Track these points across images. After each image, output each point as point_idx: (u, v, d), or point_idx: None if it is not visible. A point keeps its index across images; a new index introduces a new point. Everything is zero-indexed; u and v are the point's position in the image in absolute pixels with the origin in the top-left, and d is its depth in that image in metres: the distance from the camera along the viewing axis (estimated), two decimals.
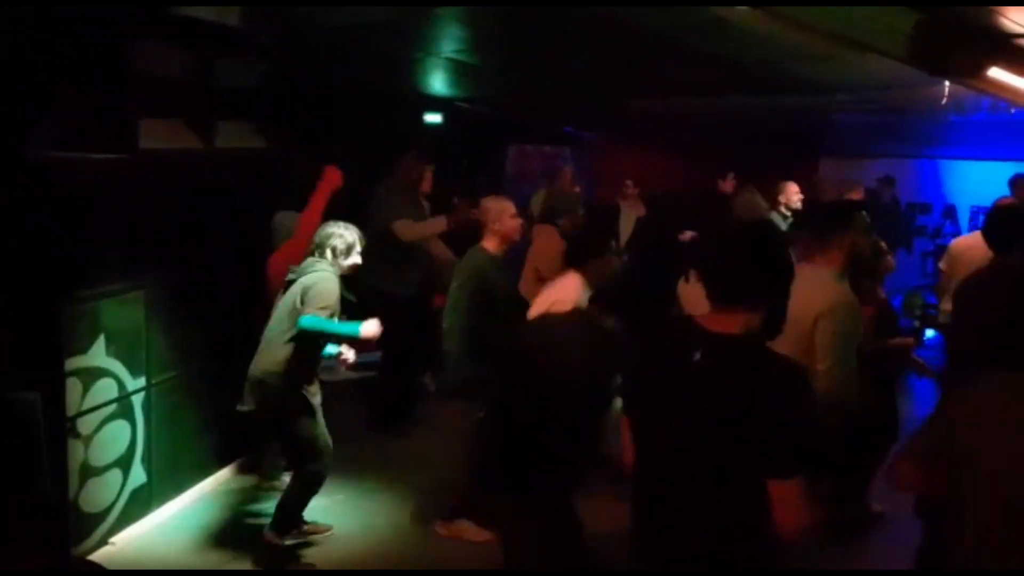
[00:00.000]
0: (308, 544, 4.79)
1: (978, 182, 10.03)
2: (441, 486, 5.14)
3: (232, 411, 4.66)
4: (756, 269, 2.34)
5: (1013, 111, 7.30)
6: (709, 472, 2.28)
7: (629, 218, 8.45)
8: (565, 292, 4.20)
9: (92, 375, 4.52)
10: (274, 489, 5.24)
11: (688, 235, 7.53)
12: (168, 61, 4.96)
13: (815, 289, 3.70)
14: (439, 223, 6.35)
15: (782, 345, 2.62)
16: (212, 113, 5.41)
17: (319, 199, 5.17)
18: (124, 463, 4.79)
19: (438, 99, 8.45)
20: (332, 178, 5.25)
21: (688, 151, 10.41)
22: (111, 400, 4.66)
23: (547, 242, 6.25)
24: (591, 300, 3.81)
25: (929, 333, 7.74)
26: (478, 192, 7.15)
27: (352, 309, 5.07)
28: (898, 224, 9.81)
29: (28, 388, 3.78)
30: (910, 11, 4.19)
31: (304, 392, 4.54)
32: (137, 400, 4.85)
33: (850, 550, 4.74)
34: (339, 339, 4.66)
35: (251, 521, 5.12)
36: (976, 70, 4.76)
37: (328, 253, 4.61)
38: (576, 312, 3.83)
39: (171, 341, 5.08)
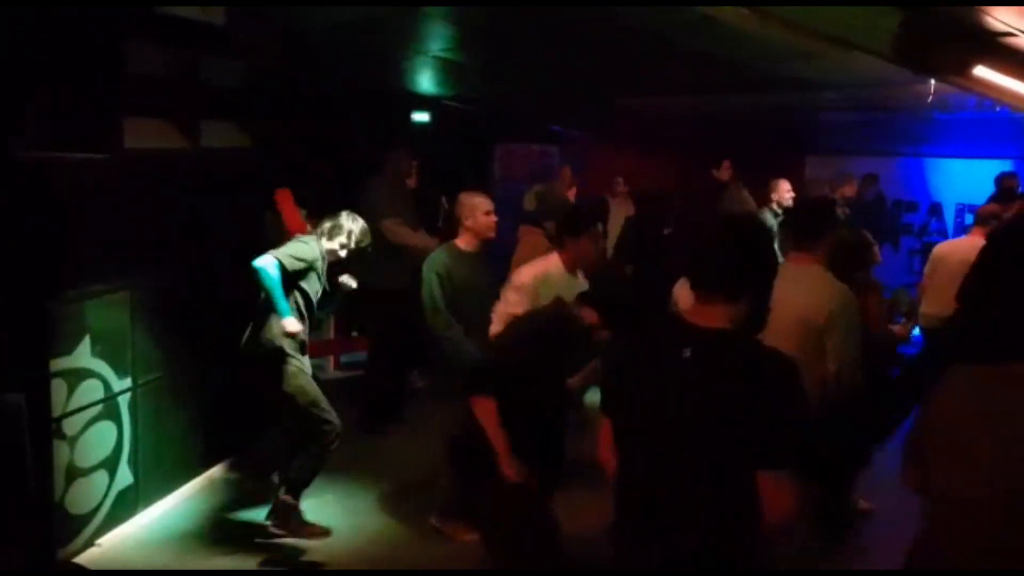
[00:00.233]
0: (300, 545, 4.77)
1: (964, 180, 10.09)
2: (430, 485, 5.13)
3: (219, 411, 4.65)
4: (737, 258, 2.36)
5: (998, 109, 7.33)
6: (701, 467, 2.28)
7: (618, 216, 8.45)
8: (534, 265, 4.28)
9: (77, 376, 4.49)
10: (262, 488, 5.22)
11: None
12: (153, 60, 4.94)
13: (820, 289, 3.80)
14: (428, 241, 6.35)
15: (787, 345, 2.63)
16: (198, 112, 5.38)
17: (289, 212, 5.47)
18: (110, 464, 4.76)
19: (426, 98, 8.43)
20: (282, 198, 5.67)
21: (676, 149, 10.44)
22: (97, 401, 4.63)
23: (532, 244, 6.20)
24: (580, 298, 3.77)
25: (916, 331, 7.77)
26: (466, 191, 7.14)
27: (333, 297, 5.12)
28: (882, 221, 9.84)
29: (12, 389, 3.77)
30: (896, 10, 4.20)
31: (288, 352, 4.66)
32: (123, 401, 4.82)
33: (837, 547, 4.75)
34: (272, 305, 4.64)
35: (238, 521, 5.11)
36: (961, 69, 4.79)
37: (322, 231, 4.91)
38: (552, 307, 3.82)
39: (157, 342, 5.05)
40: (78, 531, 4.58)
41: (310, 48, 5.78)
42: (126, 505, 4.90)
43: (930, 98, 6.60)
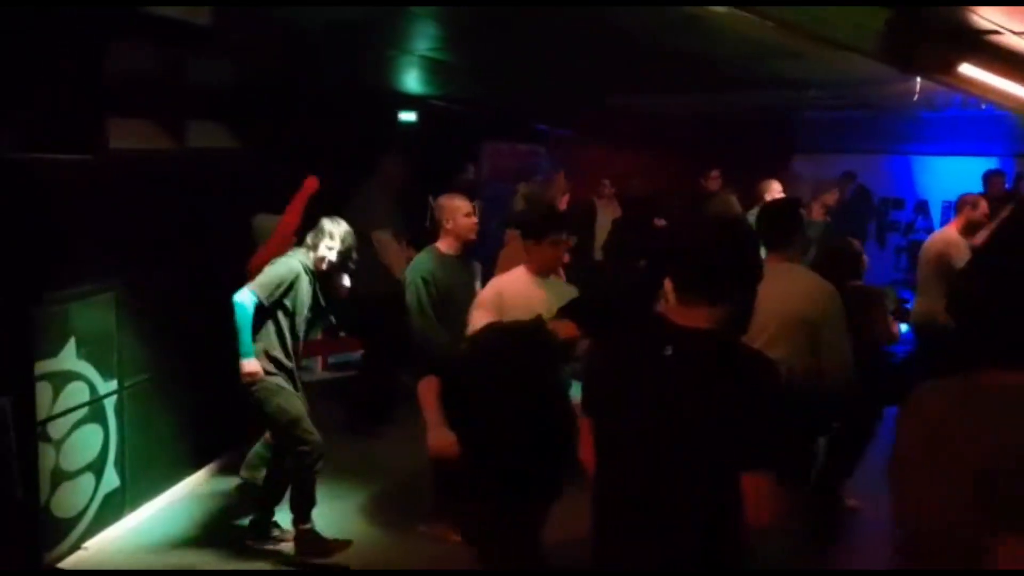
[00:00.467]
0: (288, 546, 4.76)
1: (950, 177, 10.14)
2: (420, 487, 5.12)
3: (206, 413, 4.63)
4: (719, 261, 2.35)
5: (984, 107, 7.37)
6: (681, 468, 2.28)
7: (606, 218, 8.45)
8: (494, 282, 4.35)
9: (63, 379, 4.46)
10: (252, 486, 5.20)
11: (660, 222, 7.61)
12: (138, 60, 4.90)
13: (806, 286, 3.89)
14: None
15: (771, 341, 2.63)
16: (184, 113, 5.36)
17: (297, 204, 5.24)
18: (96, 467, 4.73)
19: (412, 98, 8.42)
20: (310, 185, 5.30)
21: (663, 149, 10.45)
22: (82, 404, 4.60)
23: (517, 248, 6.15)
24: (560, 312, 3.68)
25: (903, 327, 7.80)
26: (453, 191, 7.13)
27: (332, 306, 5.09)
28: (864, 218, 9.88)
29: None
30: (881, 9, 4.22)
31: (266, 371, 4.59)
32: (109, 403, 4.80)
33: (828, 547, 4.77)
34: (239, 341, 4.58)
35: (226, 523, 5.08)
36: (947, 67, 4.81)
37: (307, 245, 4.78)
38: (526, 324, 3.66)
39: (143, 343, 5.03)
40: (64, 535, 4.55)
41: (297, 48, 5.76)
42: (113, 508, 4.87)
43: (916, 96, 6.64)
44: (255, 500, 4.93)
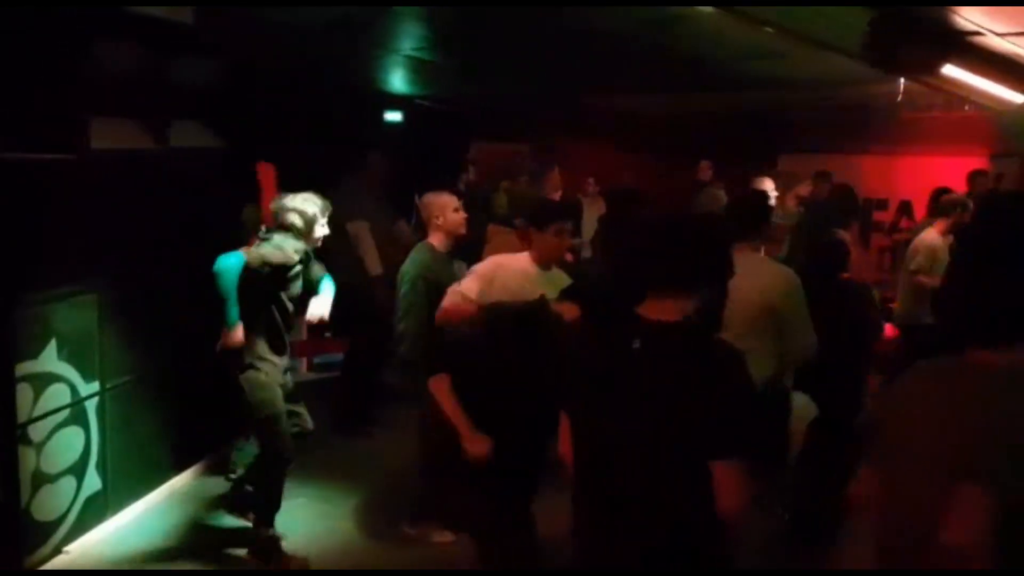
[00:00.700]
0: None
1: (933, 178, 10.16)
2: (404, 487, 5.11)
3: (189, 415, 4.59)
4: (687, 254, 2.40)
5: (967, 107, 7.42)
6: (653, 459, 2.31)
7: (591, 216, 8.44)
8: (498, 257, 4.30)
9: (43, 380, 4.42)
10: (234, 492, 5.17)
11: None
12: (121, 60, 4.86)
13: (767, 273, 4.06)
14: (375, 266, 6.43)
15: (745, 334, 2.64)
16: (166, 112, 5.32)
17: (270, 192, 5.14)
18: (78, 470, 4.69)
19: (398, 97, 8.40)
20: (266, 172, 5.25)
21: (648, 149, 10.46)
22: (63, 406, 4.56)
23: (500, 244, 6.13)
24: (563, 294, 3.70)
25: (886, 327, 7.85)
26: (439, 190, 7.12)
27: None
28: (846, 215, 9.88)
29: None
30: (865, 9, 4.23)
31: (251, 358, 4.50)
32: (91, 405, 4.75)
33: (820, 542, 4.77)
34: (225, 311, 4.46)
35: (210, 527, 5.05)
36: (930, 68, 4.84)
37: (287, 227, 4.55)
38: (531, 304, 3.70)
39: (125, 344, 4.98)
40: (46, 538, 4.51)
41: (282, 47, 5.74)
42: (95, 511, 4.83)
43: (900, 96, 6.68)
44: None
